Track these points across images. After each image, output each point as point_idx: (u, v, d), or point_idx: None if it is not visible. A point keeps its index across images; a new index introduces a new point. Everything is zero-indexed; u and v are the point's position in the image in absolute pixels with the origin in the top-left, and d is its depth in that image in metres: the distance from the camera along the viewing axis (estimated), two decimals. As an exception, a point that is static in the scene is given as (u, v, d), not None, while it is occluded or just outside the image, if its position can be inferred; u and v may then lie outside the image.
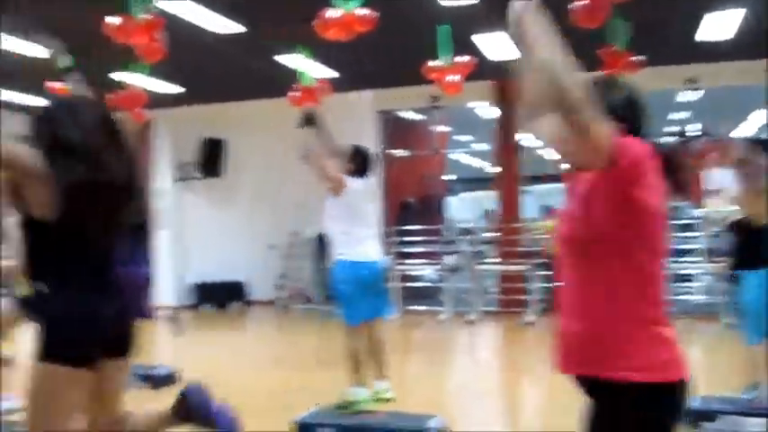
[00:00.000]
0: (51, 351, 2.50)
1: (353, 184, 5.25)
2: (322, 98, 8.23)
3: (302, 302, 12.67)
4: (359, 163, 5.36)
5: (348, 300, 5.14)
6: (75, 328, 2.53)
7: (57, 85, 8.43)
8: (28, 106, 12.98)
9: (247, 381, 7.06)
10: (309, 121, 5.30)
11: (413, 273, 12.08)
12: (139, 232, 5.85)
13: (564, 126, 1.78)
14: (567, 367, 2.06)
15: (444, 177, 18.34)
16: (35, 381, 2.54)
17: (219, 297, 13.19)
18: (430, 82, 8.04)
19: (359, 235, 5.16)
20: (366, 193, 5.33)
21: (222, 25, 8.21)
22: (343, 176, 5.19)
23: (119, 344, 2.71)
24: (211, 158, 13.16)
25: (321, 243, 12.35)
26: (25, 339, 5.31)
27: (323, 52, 8.50)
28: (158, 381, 6.44)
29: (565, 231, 2.06)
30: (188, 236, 13.44)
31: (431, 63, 7.57)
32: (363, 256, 5.12)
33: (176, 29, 6.52)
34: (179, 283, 13.10)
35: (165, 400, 5.88)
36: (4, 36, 8.29)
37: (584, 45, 7.62)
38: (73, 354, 2.51)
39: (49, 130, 2.62)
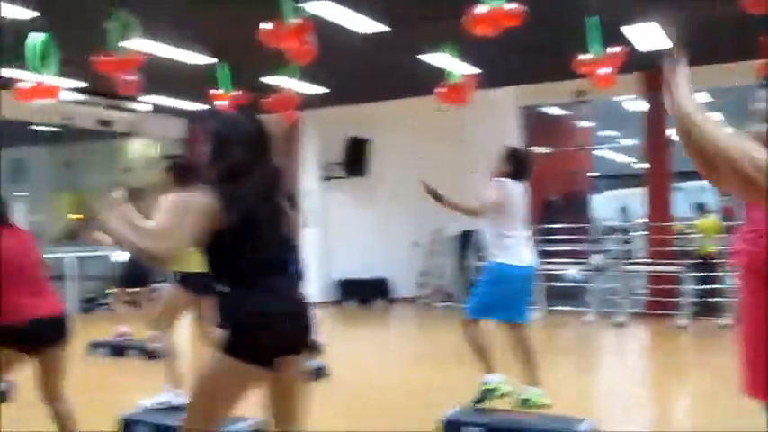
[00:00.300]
0: (232, 346, 2.61)
1: (510, 188, 5.03)
2: (468, 95, 8.18)
3: (444, 300, 12.69)
4: (515, 165, 5.11)
5: (488, 298, 4.99)
6: (256, 327, 2.64)
7: (216, 92, 8.87)
8: (186, 111, 13.75)
9: (390, 378, 7.15)
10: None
11: (557, 272, 11.82)
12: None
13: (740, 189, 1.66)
14: (753, 390, 1.96)
15: (589, 174, 17.86)
16: (211, 368, 2.67)
17: (363, 294, 13.44)
18: (575, 76, 7.82)
19: (514, 238, 5.01)
20: (522, 195, 5.13)
21: (366, 25, 8.35)
22: (484, 202, 4.99)
23: (297, 338, 2.78)
24: (356, 158, 13.43)
25: (463, 240, 12.34)
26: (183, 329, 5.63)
27: (466, 49, 8.47)
28: (309, 375, 6.59)
29: (746, 252, 1.94)
30: (333, 234, 13.77)
31: (581, 56, 7.34)
32: (518, 259, 4.98)
33: (322, 30, 6.67)
34: (324, 279, 13.44)
35: (314, 394, 6.06)
36: (164, 44, 8.77)
37: (748, 31, 7.19)
38: (252, 352, 2.62)
39: (216, 147, 2.76)
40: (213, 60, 9.39)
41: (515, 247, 4.97)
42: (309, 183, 13.81)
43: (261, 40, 6.19)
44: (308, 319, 2.82)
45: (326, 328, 9.68)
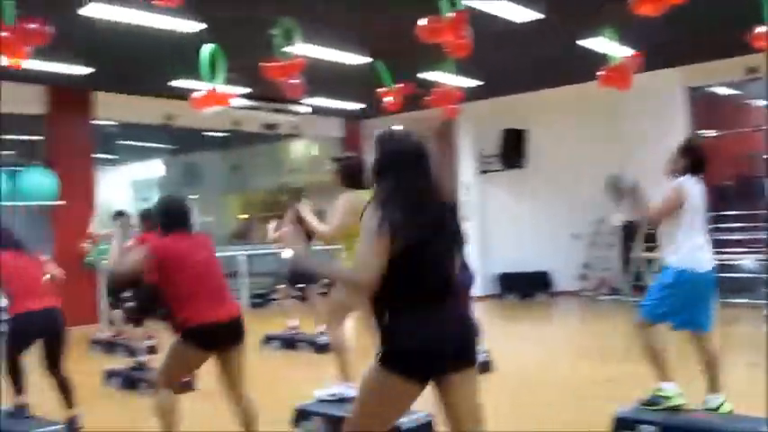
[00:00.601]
0: (392, 363, 2.66)
1: (689, 187, 4.65)
2: (630, 78, 7.86)
3: (608, 293, 12.30)
4: (691, 159, 4.69)
5: (665, 303, 4.71)
6: (414, 344, 2.66)
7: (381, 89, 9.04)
8: (344, 111, 14.12)
9: (555, 372, 7.01)
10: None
11: (730, 263, 11.14)
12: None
13: None
14: None
15: (765, 156, 16.70)
16: (370, 380, 2.74)
17: (523, 287, 13.27)
18: (744, 52, 7.30)
19: (694, 240, 4.70)
20: (702, 194, 4.71)
21: (522, 14, 8.22)
22: (669, 197, 4.62)
23: (463, 356, 2.78)
24: (513, 149, 13.28)
25: (627, 231, 11.89)
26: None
27: (626, 31, 8.15)
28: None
29: None
30: (491, 227, 13.68)
31: (758, 29, 6.84)
32: (699, 264, 4.66)
33: (477, 22, 6.63)
34: (483, 273, 13.36)
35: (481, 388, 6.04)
36: (323, 47, 9.04)
37: None
38: (411, 369, 2.65)
39: (380, 167, 2.83)
40: (369, 60, 9.58)
41: (695, 251, 4.65)
42: (466, 176, 13.80)
43: (418, 35, 6.24)
44: (470, 337, 2.81)
45: (487, 323, 9.63)
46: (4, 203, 9.98)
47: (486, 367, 6.75)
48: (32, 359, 5.37)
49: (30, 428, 4.96)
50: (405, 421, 4.59)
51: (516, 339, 9.38)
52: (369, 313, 2.83)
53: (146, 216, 6.68)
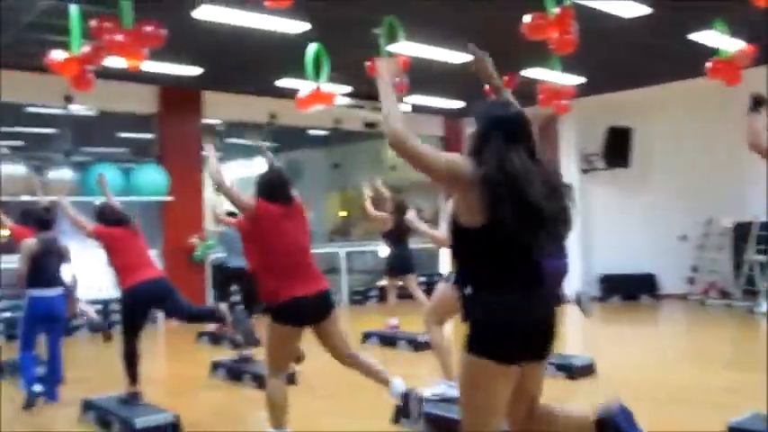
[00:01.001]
0: (476, 345, 2.62)
1: None
2: (740, 72, 7.55)
3: (717, 297, 11.82)
4: None
5: None
6: (498, 325, 2.61)
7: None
8: (443, 109, 14.09)
9: (661, 377, 6.78)
10: (758, 103, 4.45)
11: None
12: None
13: None
14: None
15: None
16: (462, 370, 2.70)
17: (628, 289, 12.90)
18: None
19: None
20: None
21: (629, 9, 8.00)
22: None
23: (542, 342, 2.72)
24: (617, 148, 12.93)
25: (739, 233, 11.41)
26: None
27: (738, 25, 7.82)
28: (575, 371, 6.48)
29: None
30: (594, 227, 13.38)
31: None
32: None
33: (581, 17, 6.50)
34: (585, 274, 13.11)
35: (579, 390, 5.91)
36: (425, 45, 9.04)
37: None
38: (496, 349, 2.60)
39: (482, 145, 2.71)
40: (471, 57, 9.52)
41: None
42: (568, 175, 13.52)
43: (523, 32, 6.17)
44: (552, 327, 2.73)
45: (588, 325, 9.43)
46: (118, 198, 10.44)
47: (588, 370, 6.62)
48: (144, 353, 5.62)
49: (141, 415, 5.15)
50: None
51: (619, 343, 9.13)
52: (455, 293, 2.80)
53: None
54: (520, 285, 2.66)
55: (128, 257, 5.56)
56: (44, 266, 6.05)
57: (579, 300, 6.75)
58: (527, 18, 6.12)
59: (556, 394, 5.72)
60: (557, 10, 6.18)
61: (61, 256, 6.26)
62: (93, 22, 5.91)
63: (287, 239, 4.32)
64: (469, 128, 2.82)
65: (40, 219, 6.34)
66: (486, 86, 3.22)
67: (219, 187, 4.41)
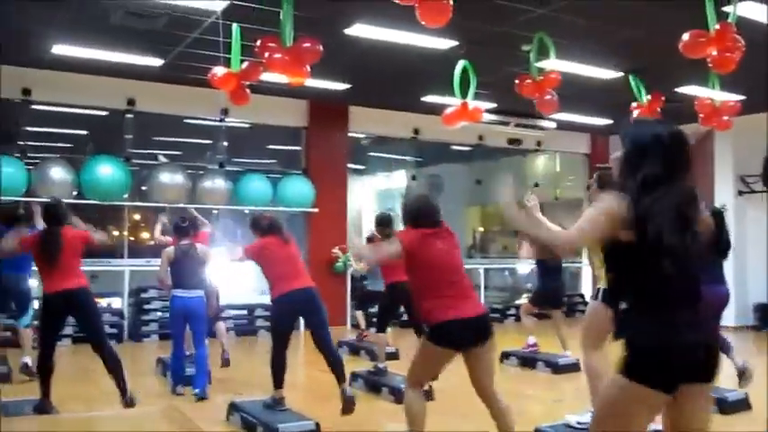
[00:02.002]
0: (634, 370, 2.52)
1: None
2: None
3: None
4: None
5: None
6: (657, 351, 2.51)
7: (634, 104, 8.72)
8: (588, 126, 13.76)
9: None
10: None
11: None
12: (719, 249, 5.65)
13: None
14: None
15: None
16: (612, 392, 2.61)
17: (786, 319, 12.09)
18: None
19: None
20: None
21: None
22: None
23: (702, 368, 2.59)
24: (778, 170, 12.13)
25: None
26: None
27: None
28: (728, 406, 6.15)
29: None
30: (748, 252, 12.63)
31: None
32: None
33: (743, 31, 6.16)
34: (739, 302, 12.36)
35: (733, 426, 5.59)
36: (574, 62, 8.86)
37: None
38: (655, 376, 2.50)
39: (630, 157, 2.65)
40: (620, 74, 9.27)
41: None
42: (723, 196, 12.83)
43: (681, 50, 5.93)
44: (714, 348, 2.61)
45: (743, 356, 8.87)
46: (265, 208, 10.86)
47: (742, 405, 6.25)
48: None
49: (284, 421, 5.31)
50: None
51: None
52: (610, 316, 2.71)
53: (380, 222, 7.05)
54: (678, 305, 2.56)
55: (278, 267, 5.75)
56: (182, 270, 6.68)
57: (743, 373, 6.38)
58: (685, 35, 5.87)
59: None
60: (717, 26, 5.90)
61: (200, 260, 6.79)
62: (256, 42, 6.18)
63: (437, 260, 4.30)
64: (617, 151, 2.73)
65: (177, 227, 6.99)
66: (634, 104, 3.12)
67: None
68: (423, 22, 5.36)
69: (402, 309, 7.70)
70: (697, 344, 2.55)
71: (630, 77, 8.85)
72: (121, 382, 5.72)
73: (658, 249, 2.53)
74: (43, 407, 5.68)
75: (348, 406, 5.47)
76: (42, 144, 10.77)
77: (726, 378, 7.71)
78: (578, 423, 5.11)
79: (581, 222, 2.66)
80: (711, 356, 2.61)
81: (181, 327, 6.79)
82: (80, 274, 5.85)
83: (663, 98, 8.67)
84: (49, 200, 6.25)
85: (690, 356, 2.53)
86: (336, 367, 5.67)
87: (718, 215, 5.80)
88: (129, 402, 5.64)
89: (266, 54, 5.93)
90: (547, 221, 4.31)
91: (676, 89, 9.48)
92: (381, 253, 4.62)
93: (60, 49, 8.87)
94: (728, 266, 11.24)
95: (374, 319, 9.39)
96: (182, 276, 6.68)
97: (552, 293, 8.63)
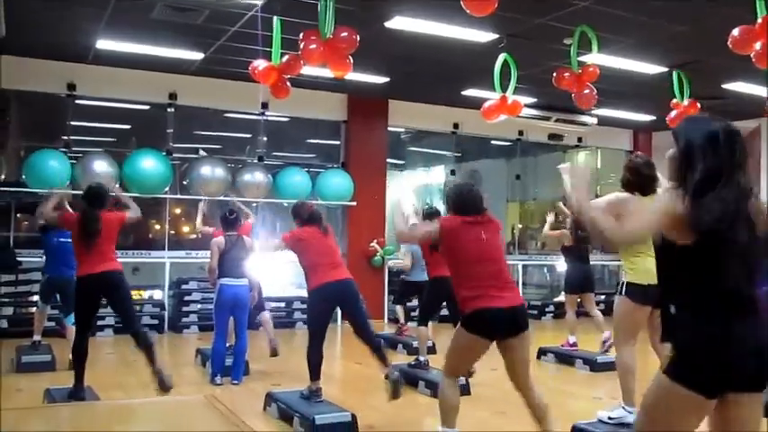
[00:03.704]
0: (678, 372, 2.47)
1: None
2: None
3: None
4: None
5: None
6: (704, 354, 2.45)
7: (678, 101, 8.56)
8: (631, 122, 13.57)
9: None
10: None
11: None
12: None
13: None
14: None
15: None
16: (656, 392, 2.55)
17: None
18: None
19: None
20: None
21: None
22: None
23: (755, 376, 2.50)
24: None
25: None
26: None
27: None
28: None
29: None
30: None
31: None
32: None
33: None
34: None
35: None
36: (617, 56, 8.74)
37: None
38: (698, 380, 2.44)
39: (685, 154, 2.57)
40: (665, 69, 9.12)
41: None
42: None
43: (730, 45, 5.80)
44: (765, 358, 2.49)
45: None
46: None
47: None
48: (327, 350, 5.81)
49: (320, 412, 5.32)
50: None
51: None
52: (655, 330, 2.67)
53: (428, 215, 7.05)
54: (733, 310, 2.48)
55: (316, 257, 5.76)
56: (230, 260, 6.84)
57: None
58: (735, 31, 5.74)
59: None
60: (759, 20, 5.76)
61: (246, 251, 6.95)
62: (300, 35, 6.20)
63: (478, 249, 4.30)
64: (672, 149, 2.66)
65: (225, 219, 7.12)
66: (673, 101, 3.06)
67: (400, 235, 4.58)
68: (468, 11, 5.29)
69: (444, 304, 7.69)
70: (749, 352, 2.46)
71: (674, 73, 8.69)
72: (154, 363, 5.68)
73: (718, 249, 2.46)
74: (77, 392, 5.78)
75: (396, 388, 5.44)
76: (86, 138, 10.94)
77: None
78: (609, 418, 5.07)
79: (635, 221, 2.63)
80: (765, 366, 2.51)
81: (227, 316, 6.93)
82: (114, 258, 5.96)
83: (698, 100, 8.49)
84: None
85: (740, 365, 2.45)
86: (378, 352, 5.69)
87: None
88: (163, 384, 5.60)
89: (303, 46, 5.94)
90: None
91: (723, 86, 9.29)
92: (416, 230, 4.55)
93: (104, 44, 9.00)
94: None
95: (413, 313, 9.42)
96: (230, 266, 6.83)
97: (583, 277, 8.71)
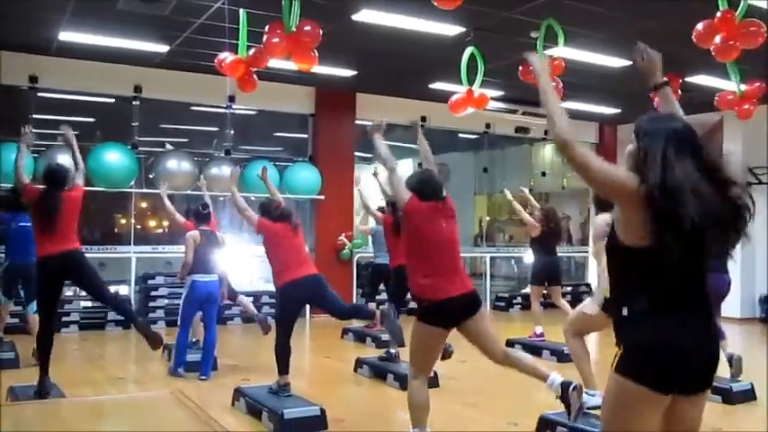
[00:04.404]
0: (627, 367, 2.49)
1: None
2: None
3: None
4: None
5: None
6: (651, 349, 2.46)
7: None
8: (597, 115, 13.69)
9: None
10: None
11: None
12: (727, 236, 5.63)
13: None
14: None
15: None
16: (609, 391, 2.57)
17: (793, 311, 12.06)
18: None
19: None
20: None
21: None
22: None
23: (703, 371, 2.54)
24: (788, 161, 12.10)
25: None
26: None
27: None
28: (733, 396, 6.16)
29: None
30: (754, 243, 12.53)
31: None
32: None
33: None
34: (745, 294, 12.34)
35: (738, 417, 5.60)
36: (578, 48, 8.80)
37: None
38: (646, 374, 2.45)
39: (644, 161, 2.51)
40: (630, 62, 9.20)
41: None
42: (731, 188, 12.79)
43: (694, 39, 5.90)
44: (715, 354, 2.55)
45: (749, 348, 8.88)
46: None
47: (747, 396, 6.25)
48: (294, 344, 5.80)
49: (289, 406, 5.31)
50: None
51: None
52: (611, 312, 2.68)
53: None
54: (682, 309, 2.51)
55: (286, 254, 5.81)
56: (204, 255, 6.84)
57: (731, 361, 6.37)
58: (699, 25, 5.85)
59: (713, 421, 5.44)
60: (719, 14, 5.86)
61: (218, 246, 7.00)
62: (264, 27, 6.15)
63: (438, 236, 4.35)
64: (630, 144, 2.67)
65: (198, 213, 7.12)
66: (652, 93, 3.04)
67: (391, 173, 4.52)
68: (435, 4, 5.32)
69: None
70: (697, 348, 2.49)
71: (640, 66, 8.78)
72: (137, 324, 5.93)
73: (671, 245, 2.41)
74: (42, 389, 5.65)
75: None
76: (50, 131, 10.76)
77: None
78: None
79: (594, 157, 2.54)
80: (713, 361, 2.55)
81: (194, 311, 7.00)
82: (76, 239, 5.85)
83: (679, 82, 8.58)
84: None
85: (687, 360, 2.47)
86: (359, 314, 6.19)
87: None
88: (152, 338, 5.84)
89: (267, 38, 5.90)
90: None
91: (687, 79, 9.40)
92: (399, 185, 4.48)
93: (67, 36, 8.85)
94: (736, 258, 11.29)
95: (382, 306, 9.43)
96: (203, 261, 6.83)
97: (549, 269, 8.87)
